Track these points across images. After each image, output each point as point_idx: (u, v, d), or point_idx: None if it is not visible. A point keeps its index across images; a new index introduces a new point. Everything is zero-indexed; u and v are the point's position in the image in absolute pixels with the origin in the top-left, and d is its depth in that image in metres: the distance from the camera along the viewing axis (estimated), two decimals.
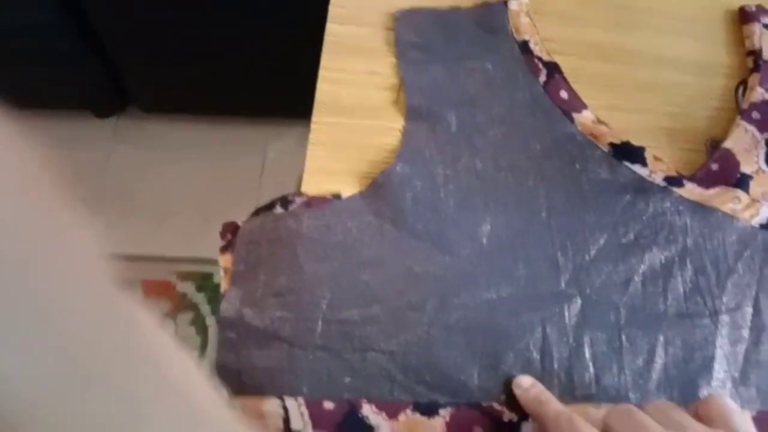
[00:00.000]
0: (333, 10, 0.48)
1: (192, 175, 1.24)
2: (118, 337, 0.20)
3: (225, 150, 1.27)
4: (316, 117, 0.44)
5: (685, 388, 0.37)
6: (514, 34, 0.47)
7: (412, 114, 0.44)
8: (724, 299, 0.39)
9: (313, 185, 0.42)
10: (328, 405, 0.36)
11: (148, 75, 1.15)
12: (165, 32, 1.04)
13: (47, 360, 0.17)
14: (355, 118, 0.44)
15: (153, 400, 0.21)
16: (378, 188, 0.41)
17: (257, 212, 0.42)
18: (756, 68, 0.47)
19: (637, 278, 0.39)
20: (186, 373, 0.23)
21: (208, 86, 1.15)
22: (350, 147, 0.43)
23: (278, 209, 0.41)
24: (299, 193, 0.41)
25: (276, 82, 1.08)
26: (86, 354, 0.18)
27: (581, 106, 0.44)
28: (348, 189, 0.41)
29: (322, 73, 0.45)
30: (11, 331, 0.16)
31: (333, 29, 0.47)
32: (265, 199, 0.41)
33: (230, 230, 0.42)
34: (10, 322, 0.16)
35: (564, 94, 0.45)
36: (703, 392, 0.37)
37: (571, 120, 0.44)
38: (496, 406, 0.36)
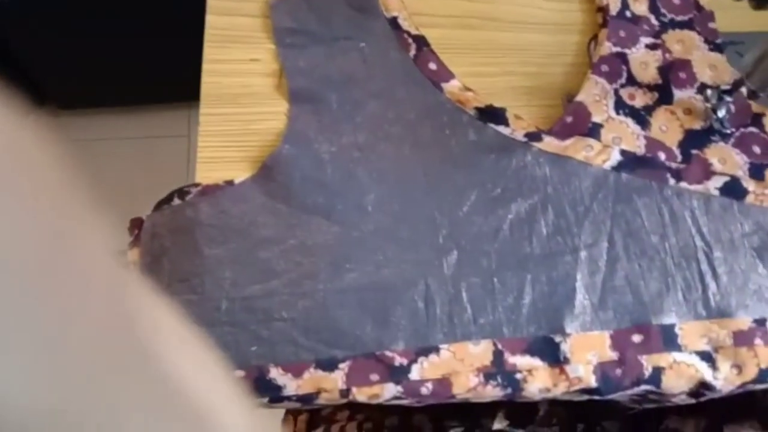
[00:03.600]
0: (211, 3, 0.50)
1: (117, 168, 1.24)
2: (128, 342, 0.19)
3: (149, 139, 1.27)
4: (203, 109, 0.47)
5: (552, 319, 0.42)
6: (384, 12, 0.50)
7: (295, 97, 0.47)
8: (582, 237, 0.45)
9: (206, 174, 0.45)
10: (239, 373, 0.40)
11: (59, 70, 1.13)
12: (70, 27, 1.03)
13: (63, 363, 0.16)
14: (241, 106, 0.47)
15: (157, 408, 0.20)
16: (268, 171, 0.45)
17: (158, 206, 0.45)
18: (605, 24, 0.52)
19: (505, 227, 0.44)
20: (197, 377, 0.23)
21: (122, 77, 1.14)
22: (239, 134, 0.46)
23: (176, 201, 0.44)
24: (194, 184, 0.44)
25: (189, 66, 1.08)
26: (98, 357, 0.18)
27: (449, 75, 0.49)
28: (240, 175, 0.45)
29: (206, 66, 0.48)
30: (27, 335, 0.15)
31: (213, 21, 0.50)
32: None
33: (136, 225, 0.45)
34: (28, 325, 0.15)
35: (433, 66, 0.49)
36: (567, 320, 0.42)
37: (441, 90, 0.48)
38: (388, 353, 0.41)
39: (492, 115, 0.47)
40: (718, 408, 0.58)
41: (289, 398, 0.40)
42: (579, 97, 0.48)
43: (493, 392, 0.41)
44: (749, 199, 0.46)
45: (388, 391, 0.40)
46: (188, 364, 0.23)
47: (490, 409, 0.62)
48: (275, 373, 0.40)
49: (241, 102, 0.47)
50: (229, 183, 0.44)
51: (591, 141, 0.47)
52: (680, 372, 0.42)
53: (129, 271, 0.21)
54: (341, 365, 0.40)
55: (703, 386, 0.42)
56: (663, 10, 0.53)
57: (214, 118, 0.46)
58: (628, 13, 0.52)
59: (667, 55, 0.51)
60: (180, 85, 1.15)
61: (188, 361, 0.23)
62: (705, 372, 0.42)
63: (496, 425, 0.64)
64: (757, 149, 0.48)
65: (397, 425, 0.65)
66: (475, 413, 0.65)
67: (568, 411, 0.62)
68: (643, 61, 0.50)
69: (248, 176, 0.44)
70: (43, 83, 1.18)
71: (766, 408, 0.55)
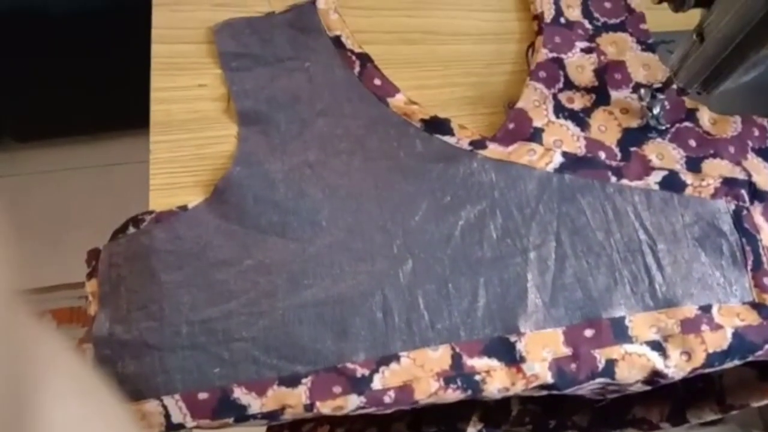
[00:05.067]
0: (155, 32, 0.51)
1: (78, 198, 1.23)
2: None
3: (109, 167, 1.27)
4: (153, 137, 0.47)
5: (506, 319, 0.44)
6: (327, 31, 0.52)
7: (243, 119, 0.48)
8: (531, 238, 0.46)
9: (159, 201, 0.45)
10: (203, 395, 0.40)
11: (13, 104, 1.12)
12: (23, 62, 1.02)
13: None
14: (190, 132, 0.48)
15: None
16: (220, 194, 0.45)
17: (114, 235, 0.45)
18: (540, 31, 0.54)
19: (456, 233, 0.46)
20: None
21: (78, 107, 1.14)
22: (190, 159, 0.47)
23: (131, 229, 0.44)
24: (148, 212, 0.45)
25: (145, 93, 1.09)
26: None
27: (394, 90, 0.50)
28: (193, 199, 0.45)
29: (154, 94, 0.48)
30: None
31: (158, 50, 0.50)
32: None
33: (94, 257, 0.45)
34: None
35: (377, 81, 0.50)
36: (521, 320, 0.44)
37: (386, 104, 0.49)
38: (349, 365, 0.42)
39: (437, 125, 0.48)
40: (679, 394, 0.60)
41: (254, 416, 0.41)
42: (519, 104, 0.50)
43: (454, 395, 0.42)
44: (688, 191, 0.48)
45: (352, 402, 0.41)
46: (74, 413, 0.22)
47: (466, 412, 0.63)
48: (239, 393, 0.40)
49: (191, 127, 0.48)
50: (183, 208, 0.45)
51: (533, 145, 0.48)
52: (632, 363, 0.43)
53: (26, 317, 0.20)
54: (304, 380, 0.41)
55: (656, 374, 0.44)
56: (596, 15, 0.55)
57: (164, 145, 0.47)
58: (562, 20, 0.54)
59: (602, 58, 0.53)
60: (136, 111, 1.15)
61: (75, 410, 0.23)
62: (656, 361, 0.44)
63: (471, 429, 0.65)
64: (692, 142, 0.50)
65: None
66: (451, 417, 0.66)
67: (539, 409, 0.64)
68: (579, 64, 0.52)
69: (201, 200, 0.45)
70: None
71: (722, 389, 0.57)
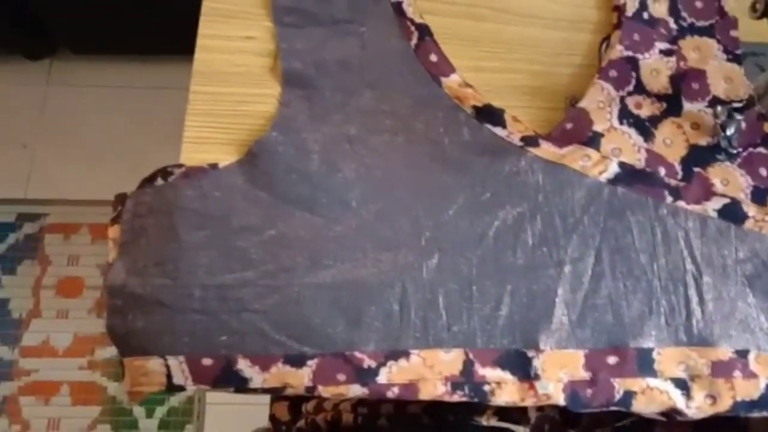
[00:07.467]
0: None
1: (129, 116, 1.24)
2: None
3: (160, 89, 1.27)
4: (193, 87, 0.46)
5: (527, 332, 0.42)
6: None
7: (288, 81, 0.46)
8: (569, 250, 0.44)
9: (191, 155, 0.44)
10: (207, 361, 0.40)
11: (71, 16, 1.12)
12: None
13: None
14: (232, 86, 0.46)
15: None
16: (253, 157, 0.44)
17: (142, 184, 0.44)
18: (619, 24, 0.49)
19: (490, 233, 0.43)
20: None
21: (135, 26, 1.13)
22: (228, 116, 0.45)
23: (159, 181, 0.44)
24: (178, 165, 0.44)
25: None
26: None
27: (449, 69, 0.47)
28: (225, 158, 0.44)
29: (200, 42, 0.47)
30: None
31: None
32: None
33: (120, 202, 0.45)
34: None
35: (433, 57, 0.47)
36: (543, 336, 0.42)
37: (439, 84, 0.46)
38: (357, 354, 0.41)
39: (489, 115, 0.45)
40: (703, 420, 0.57)
41: (254, 390, 0.40)
42: (582, 103, 0.46)
43: (459, 400, 0.41)
44: (748, 224, 0.45)
45: (354, 392, 0.40)
46: None
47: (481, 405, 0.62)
48: (243, 365, 0.40)
49: (233, 82, 0.46)
50: (213, 166, 0.43)
51: (589, 151, 0.45)
52: (652, 397, 0.41)
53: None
54: (309, 362, 0.40)
55: (675, 412, 0.42)
56: (684, 14, 0.50)
57: (203, 97, 0.45)
58: (645, 15, 0.49)
59: (682, 63, 0.49)
60: (189, 37, 1.14)
61: None
62: (678, 400, 0.41)
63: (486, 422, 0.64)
64: (763, 171, 0.46)
65: (393, 413, 0.66)
66: (468, 407, 0.65)
67: (558, 416, 0.62)
68: (655, 68, 0.48)
69: (233, 161, 0.44)
70: (56, 29, 1.17)
71: (747, 422, 0.54)
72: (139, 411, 1.19)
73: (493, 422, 0.66)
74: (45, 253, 1.26)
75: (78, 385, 1.20)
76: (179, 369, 0.40)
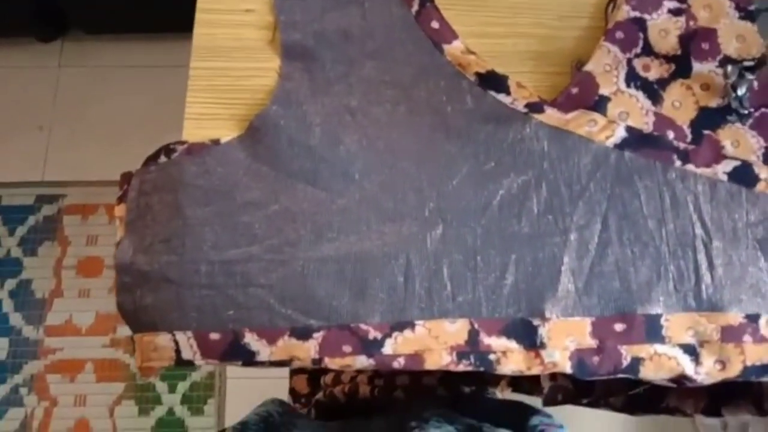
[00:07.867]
0: None
1: (143, 95, 1.24)
2: None
3: (175, 68, 1.26)
4: (193, 62, 0.45)
5: (532, 301, 0.42)
6: None
7: (288, 53, 0.46)
8: (575, 218, 0.43)
9: (193, 132, 0.44)
10: (214, 336, 0.40)
11: None
12: None
13: None
14: (231, 60, 0.46)
15: None
16: (255, 132, 0.44)
17: (146, 162, 0.44)
18: None
19: (494, 203, 0.43)
20: None
21: (145, 4, 1.12)
22: (227, 91, 0.45)
23: (162, 158, 0.44)
24: (181, 142, 0.44)
25: None
26: None
27: (452, 36, 0.46)
28: (227, 133, 0.44)
29: (199, 16, 0.46)
30: None
31: None
32: None
33: (126, 180, 0.45)
34: None
35: (435, 24, 0.46)
36: (549, 304, 0.41)
37: (441, 51, 0.46)
38: (363, 326, 0.41)
39: (493, 81, 0.45)
40: (717, 388, 0.57)
41: (262, 363, 0.41)
42: (588, 67, 0.45)
43: (465, 369, 0.41)
44: (760, 186, 0.44)
45: (360, 363, 0.40)
46: None
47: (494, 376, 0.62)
48: (250, 338, 0.40)
49: (233, 56, 0.46)
50: (215, 142, 0.43)
51: (595, 115, 0.44)
52: (660, 364, 0.41)
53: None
54: (315, 335, 0.41)
55: (684, 378, 0.41)
56: None
57: (204, 72, 0.45)
58: None
59: (691, 23, 0.47)
60: None
61: None
62: (686, 366, 0.41)
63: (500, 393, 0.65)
64: None
65: (408, 384, 0.66)
66: (482, 378, 0.65)
67: (571, 385, 0.62)
68: (664, 28, 0.47)
69: (235, 136, 0.44)
70: (68, 8, 1.17)
71: (761, 390, 0.54)
72: (161, 386, 1.22)
73: (507, 393, 0.66)
74: (64, 234, 1.28)
75: (102, 363, 1.23)
76: (187, 344, 0.40)
